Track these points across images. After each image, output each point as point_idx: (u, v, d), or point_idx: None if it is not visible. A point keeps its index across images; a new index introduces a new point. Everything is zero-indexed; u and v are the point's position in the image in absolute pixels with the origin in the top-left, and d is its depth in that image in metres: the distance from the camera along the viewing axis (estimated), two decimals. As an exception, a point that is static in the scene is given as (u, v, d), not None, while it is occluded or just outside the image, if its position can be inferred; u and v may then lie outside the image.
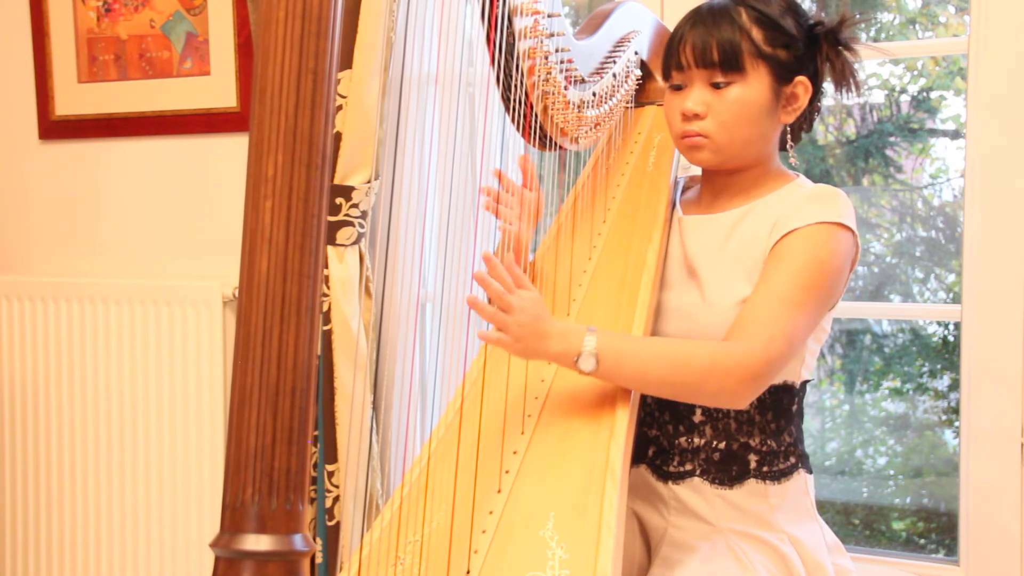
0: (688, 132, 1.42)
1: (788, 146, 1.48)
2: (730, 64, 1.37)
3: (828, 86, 1.47)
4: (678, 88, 1.43)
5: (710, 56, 1.38)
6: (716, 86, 1.39)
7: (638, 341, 1.32)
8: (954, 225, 2.80)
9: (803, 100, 1.42)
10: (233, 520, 0.67)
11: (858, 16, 1.50)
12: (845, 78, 1.44)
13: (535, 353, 1.26)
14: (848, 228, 1.35)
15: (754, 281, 1.37)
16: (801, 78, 1.40)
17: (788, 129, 1.47)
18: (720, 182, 1.48)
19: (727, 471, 1.40)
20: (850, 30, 1.44)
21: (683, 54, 1.40)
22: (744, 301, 1.36)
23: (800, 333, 1.32)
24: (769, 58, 1.38)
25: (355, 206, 2.08)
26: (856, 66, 1.45)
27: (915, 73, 2.77)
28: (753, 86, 1.38)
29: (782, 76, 1.39)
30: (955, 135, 2.75)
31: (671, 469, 1.43)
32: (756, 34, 1.38)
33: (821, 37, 1.42)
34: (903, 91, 2.78)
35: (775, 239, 1.35)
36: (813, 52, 1.42)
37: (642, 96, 1.73)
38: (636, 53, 1.62)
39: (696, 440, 1.42)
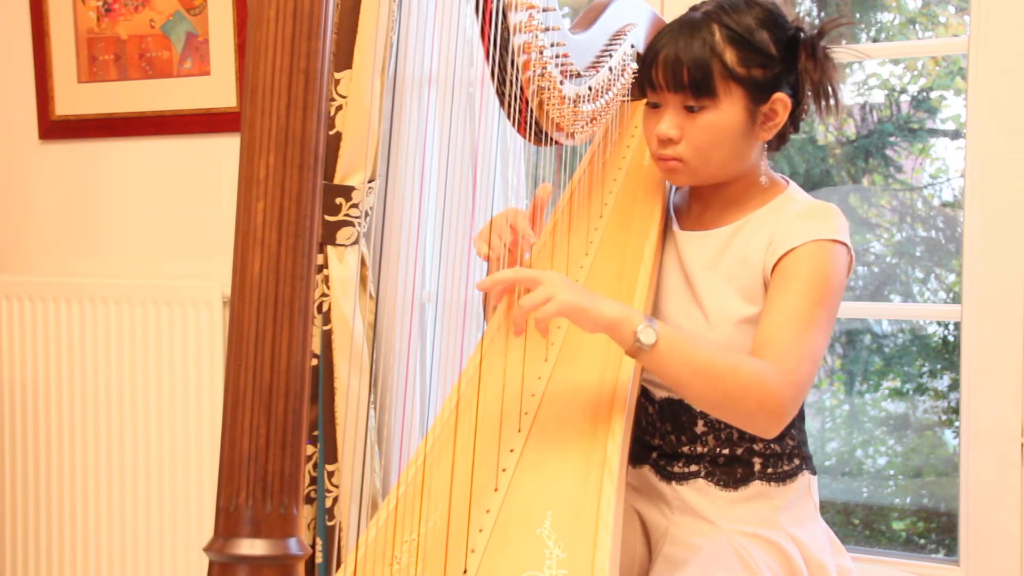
0: (663, 155, 1.39)
1: (765, 156, 1.45)
2: (700, 90, 1.33)
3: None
4: (655, 106, 1.40)
5: (680, 79, 1.34)
6: (689, 109, 1.35)
7: (692, 335, 1.28)
8: (954, 225, 2.79)
9: (782, 116, 1.37)
10: (227, 524, 0.67)
11: (841, 19, 1.44)
12: (823, 94, 1.39)
13: (588, 309, 1.17)
14: (843, 244, 1.34)
15: (749, 299, 1.36)
16: (779, 95, 1.36)
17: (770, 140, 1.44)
18: (707, 195, 1.47)
19: (732, 474, 1.40)
20: (832, 37, 1.39)
21: (655, 75, 1.37)
22: (745, 321, 1.35)
23: (819, 352, 1.30)
24: (743, 80, 1.33)
25: (355, 206, 2.08)
26: (838, 82, 1.40)
27: (915, 73, 2.77)
28: (726, 110, 1.34)
29: (757, 96, 1.35)
30: (955, 135, 2.75)
31: (675, 470, 1.43)
32: (729, 55, 1.33)
33: (800, 47, 1.37)
34: (903, 91, 2.77)
35: (773, 259, 1.34)
36: (792, 62, 1.37)
37: (639, 90, 1.72)
38: (632, 46, 1.61)
39: (699, 448, 1.42)
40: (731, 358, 1.24)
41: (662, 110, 1.39)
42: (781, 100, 1.36)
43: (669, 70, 1.35)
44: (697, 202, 1.50)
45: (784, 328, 1.27)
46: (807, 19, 1.43)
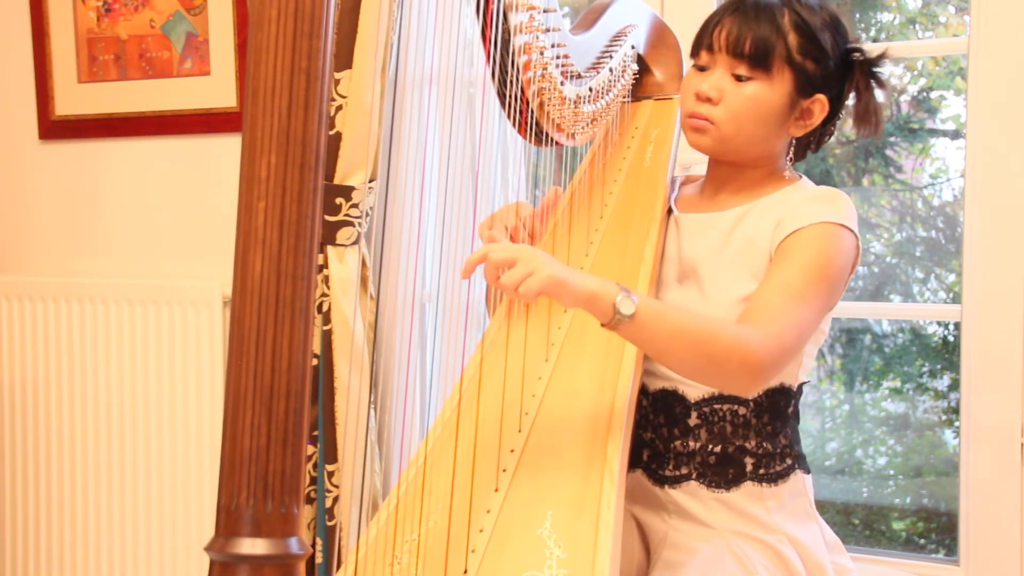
0: (696, 113, 1.41)
1: (788, 158, 1.47)
2: (758, 61, 1.37)
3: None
4: (701, 69, 1.42)
5: (742, 47, 1.37)
6: (738, 78, 1.38)
7: (669, 304, 1.30)
8: (954, 225, 2.80)
9: (817, 118, 1.41)
10: (228, 524, 0.67)
11: (882, 45, 1.50)
12: (868, 114, 1.43)
13: (566, 283, 1.16)
14: (851, 230, 1.35)
15: (755, 278, 1.37)
16: (821, 96, 1.39)
17: (794, 142, 1.46)
18: (724, 174, 1.48)
19: (723, 474, 1.40)
20: (886, 64, 1.43)
21: (716, 37, 1.40)
22: (746, 298, 1.36)
23: (808, 327, 1.31)
24: (797, 66, 1.37)
25: (355, 206, 2.08)
26: (882, 106, 1.44)
27: (915, 73, 2.77)
28: (774, 88, 1.38)
29: (804, 88, 1.38)
30: (955, 135, 2.75)
31: (667, 473, 1.43)
32: (792, 39, 1.37)
33: (855, 64, 1.41)
34: (903, 91, 2.77)
35: (780, 237, 1.35)
36: (842, 74, 1.41)
37: (639, 90, 1.72)
38: (633, 47, 1.61)
39: (691, 444, 1.42)
40: (711, 323, 1.26)
41: (708, 72, 1.41)
42: (821, 102, 1.40)
43: (733, 35, 1.38)
44: (711, 184, 1.51)
45: (775, 297, 1.30)
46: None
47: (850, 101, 1.44)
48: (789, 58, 1.37)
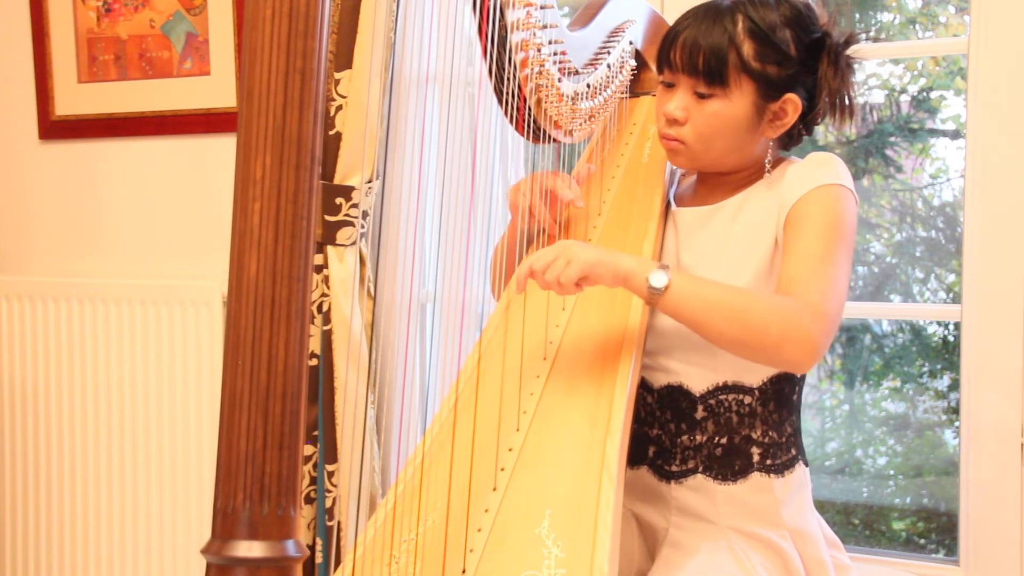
0: (667, 135, 1.41)
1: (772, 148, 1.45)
2: (713, 77, 1.34)
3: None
4: (669, 86, 1.41)
5: (696, 65, 1.35)
6: (699, 95, 1.37)
7: (709, 279, 1.29)
8: (954, 225, 2.79)
9: (791, 117, 1.38)
10: (224, 526, 0.66)
11: (863, 35, 1.47)
12: (838, 103, 1.40)
13: (605, 263, 1.22)
14: (850, 190, 1.36)
15: (766, 259, 1.37)
16: (791, 95, 1.36)
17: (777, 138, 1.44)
18: (713, 180, 1.48)
19: (730, 466, 1.40)
20: (854, 47, 1.40)
21: (673, 56, 1.38)
22: (757, 275, 1.36)
23: (843, 287, 1.31)
24: (756, 74, 1.34)
25: (355, 206, 2.08)
26: (856, 91, 1.41)
27: (915, 73, 2.76)
28: (735, 102, 1.35)
29: (768, 93, 1.36)
30: (955, 135, 2.75)
31: (673, 468, 1.43)
32: (747, 48, 1.34)
33: (823, 52, 1.38)
34: (903, 91, 2.77)
35: (785, 210, 1.35)
36: (811, 66, 1.38)
37: (637, 86, 1.72)
38: (631, 43, 1.61)
39: (698, 437, 1.41)
40: (748, 293, 1.28)
41: (674, 90, 1.40)
42: (792, 101, 1.37)
43: (686, 53, 1.36)
44: (703, 186, 1.52)
45: (803, 267, 1.29)
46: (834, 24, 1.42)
47: None
48: (746, 68, 1.34)
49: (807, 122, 1.44)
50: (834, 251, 1.30)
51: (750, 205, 1.42)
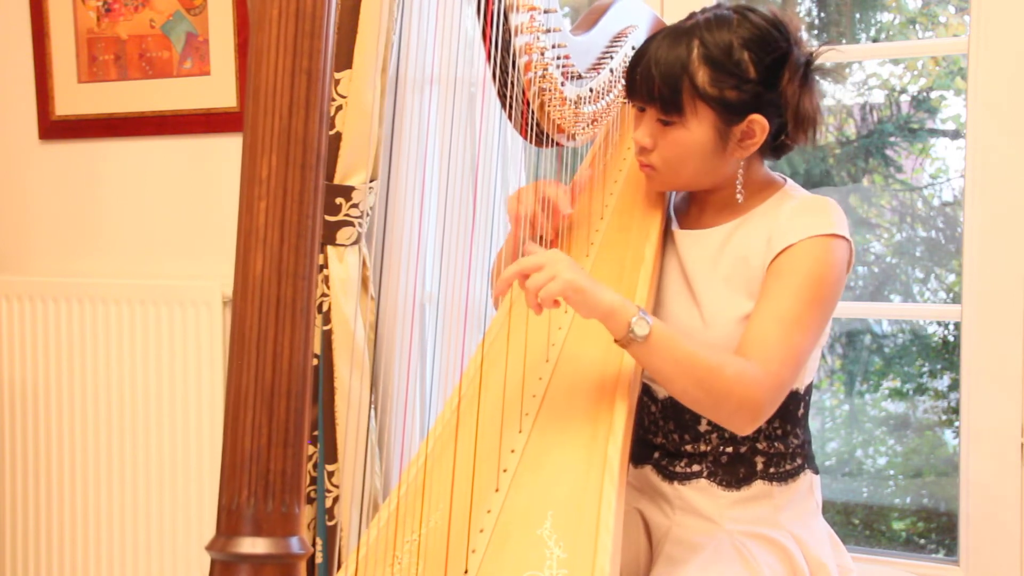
0: (640, 160, 1.42)
1: (761, 162, 1.44)
2: (668, 106, 1.33)
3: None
4: (641, 109, 1.40)
5: (652, 93, 1.34)
6: (662, 122, 1.36)
7: (681, 331, 1.28)
8: (954, 225, 2.80)
9: (759, 137, 1.35)
10: (229, 523, 0.67)
11: (832, 45, 1.44)
12: (798, 121, 1.36)
13: (588, 292, 1.19)
14: (842, 237, 1.34)
15: (750, 296, 1.36)
16: (755, 116, 1.33)
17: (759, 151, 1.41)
18: (700, 197, 1.48)
19: (734, 473, 1.40)
20: (820, 62, 1.37)
21: (634, 81, 1.37)
22: (744, 318, 1.35)
23: (807, 349, 1.31)
24: (712, 100, 1.32)
25: (355, 206, 2.08)
26: (818, 109, 1.37)
27: (915, 73, 2.77)
28: (692, 130, 1.34)
29: (728, 118, 1.33)
30: (955, 135, 2.75)
31: (677, 470, 1.43)
32: (701, 75, 1.31)
33: (784, 70, 1.34)
34: (903, 91, 2.77)
35: (771, 256, 1.34)
36: (775, 85, 1.34)
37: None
38: (633, 48, 1.61)
39: (702, 447, 1.42)
40: (717, 357, 1.25)
41: (643, 116, 1.39)
42: (758, 122, 1.34)
43: (644, 81, 1.35)
44: (694, 203, 1.51)
45: (772, 328, 1.28)
46: (806, 35, 1.39)
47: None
48: (701, 95, 1.32)
49: (787, 135, 1.40)
50: (808, 313, 1.29)
51: (739, 237, 1.40)
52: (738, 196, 1.41)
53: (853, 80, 2.67)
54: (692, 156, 1.36)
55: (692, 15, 1.39)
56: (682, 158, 1.36)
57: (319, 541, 2.14)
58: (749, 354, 1.27)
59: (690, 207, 1.52)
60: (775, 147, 1.42)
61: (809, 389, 1.45)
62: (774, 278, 1.32)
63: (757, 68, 1.32)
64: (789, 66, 1.34)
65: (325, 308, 2.11)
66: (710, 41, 1.32)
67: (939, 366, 2.86)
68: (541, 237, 1.50)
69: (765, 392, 1.25)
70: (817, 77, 1.39)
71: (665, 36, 1.36)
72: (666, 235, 1.50)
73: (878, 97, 2.77)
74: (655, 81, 1.33)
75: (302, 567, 0.69)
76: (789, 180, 1.47)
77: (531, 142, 1.45)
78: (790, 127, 1.37)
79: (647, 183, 1.46)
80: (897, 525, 2.89)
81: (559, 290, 1.19)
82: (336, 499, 2.10)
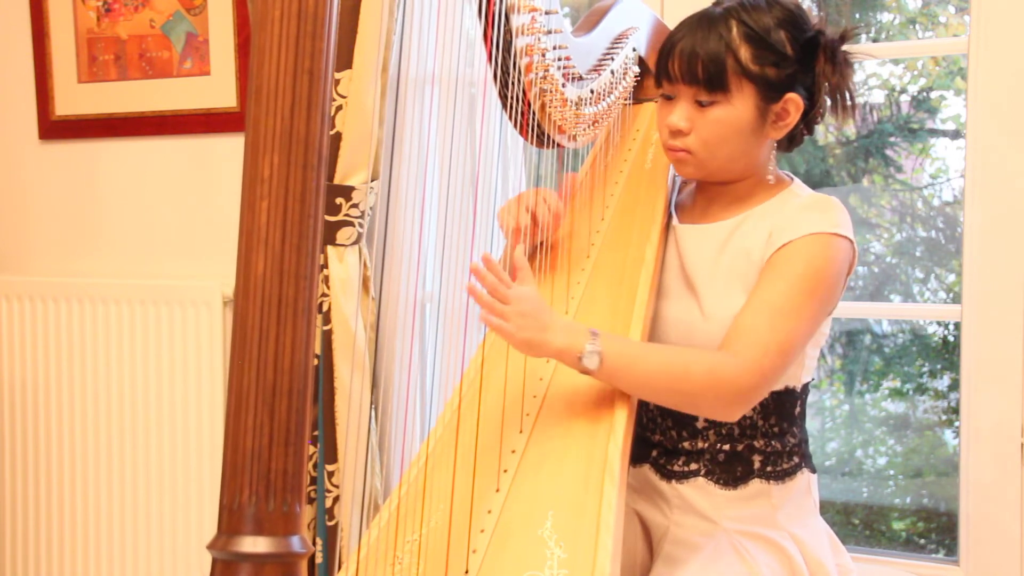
0: (673, 146, 1.42)
1: (773, 155, 1.46)
2: (714, 84, 1.35)
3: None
4: (668, 98, 1.42)
5: (695, 73, 1.36)
6: (700, 103, 1.37)
7: (641, 346, 1.31)
8: (954, 225, 2.80)
9: (793, 117, 1.39)
10: (230, 522, 0.67)
11: (859, 28, 1.49)
12: (840, 98, 1.41)
13: (537, 345, 1.24)
14: (844, 236, 1.34)
15: (749, 291, 1.36)
16: (792, 95, 1.37)
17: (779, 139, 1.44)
18: (712, 191, 1.48)
19: (732, 472, 1.40)
20: (852, 42, 1.41)
21: (671, 67, 1.39)
22: (735, 311, 1.35)
23: (797, 341, 1.31)
24: (755, 77, 1.35)
25: (355, 206, 2.08)
26: (856, 86, 1.42)
27: (915, 73, 2.77)
28: (737, 106, 1.36)
29: (769, 95, 1.36)
30: (955, 135, 2.75)
31: (675, 468, 1.43)
32: (744, 52, 1.35)
33: (819, 50, 1.38)
34: (903, 91, 2.77)
35: (771, 250, 1.34)
36: (808, 65, 1.38)
37: (640, 93, 1.73)
38: (634, 50, 1.61)
39: (700, 444, 1.42)
40: (682, 361, 1.28)
41: (675, 102, 1.40)
42: (793, 100, 1.37)
43: (684, 63, 1.36)
44: (702, 198, 1.51)
45: (759, 317, 1.30)
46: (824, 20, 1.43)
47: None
48: (745, 72, 1.35)
49: (808, 121, 1.44)
50: (799, 305, 1.30)
51: (743, 231, 1.41)
52: (769, 177, 1.44)
53: (853, 80, 2.67)
54: (732, 135, 1.38)
55: (715, 4, 1.42)
56: (723, 137, 1.38)
57: (319, 541, 2.14)
58: (731, 343, 1.29)
59: (696, 201, 1.53)
60: (791, 136, 1.44)
61: (806, 388, 1.45)
62: (769, 271, 1.34)
63: (793, 47, 1.37)
64: (823, 46, 1.39)
65: (325, 308, 2.11)
66: (749, 20, 1.35)
67: (939, 366, 2.86)
68: (541, 243, 1.50)
69: (745, 380, 1.26)
70: (850, 57, 1.42)
71: (698, 21, 1.39)
72: (666, 230, 1.50)
73: (878, 97, 2.77)
74: (699, 61, 1.35)
75: (303, 566, 0.69)
76: (796, 179, 1.48)
77: (532, 143, 1.45)
78: (830, 105, 1.42)
79: (679, 169, 1.46)
80: (897, 525, 2.89)
81: (508, 341, 1.25)
82: (336, 499, 2.10)
